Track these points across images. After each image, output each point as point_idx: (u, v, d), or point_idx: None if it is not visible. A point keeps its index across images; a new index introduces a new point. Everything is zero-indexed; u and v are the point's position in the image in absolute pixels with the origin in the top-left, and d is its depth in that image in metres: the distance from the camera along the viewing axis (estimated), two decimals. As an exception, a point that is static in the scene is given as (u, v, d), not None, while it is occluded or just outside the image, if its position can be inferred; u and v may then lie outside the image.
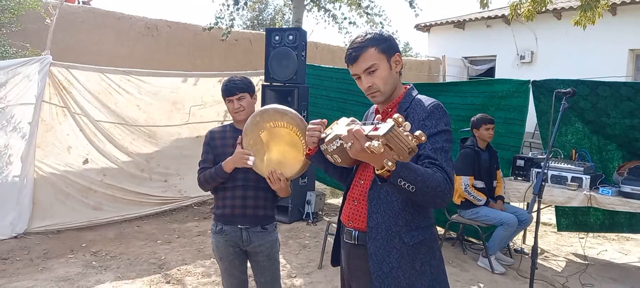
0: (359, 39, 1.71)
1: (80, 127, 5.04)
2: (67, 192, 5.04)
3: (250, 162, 2.24)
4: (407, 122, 1.25)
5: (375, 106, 1.90)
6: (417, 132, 1.24)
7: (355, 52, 1.69)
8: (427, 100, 1.70)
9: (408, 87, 1.81)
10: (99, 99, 5.17)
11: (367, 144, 1.23)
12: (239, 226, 2.41)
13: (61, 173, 4.98)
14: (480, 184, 4.46)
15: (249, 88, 2.47)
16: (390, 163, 1.27)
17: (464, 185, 4.35)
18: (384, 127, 1.23)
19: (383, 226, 1.66)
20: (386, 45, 1.70)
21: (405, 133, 1.23)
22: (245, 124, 2.27)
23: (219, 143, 2.48)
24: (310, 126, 1.79)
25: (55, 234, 4.87)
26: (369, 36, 1.70)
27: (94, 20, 6.87)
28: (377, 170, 1.40)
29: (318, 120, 1.79)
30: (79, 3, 8.78)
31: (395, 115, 1.24)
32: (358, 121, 1.70)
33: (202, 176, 2.43)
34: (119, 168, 5.41)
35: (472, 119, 4.53)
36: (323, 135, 1.76)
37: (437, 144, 1.59)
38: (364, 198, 1.74)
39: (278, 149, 2.23)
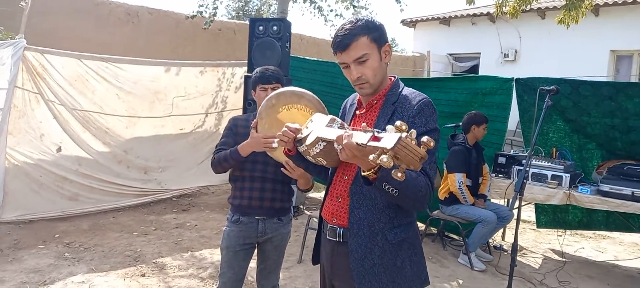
0: (349, 26, 1.59)
1: (54, 115, 4.88)
2: (41, 182, 4.88)
3: (275, 145, 2.15)
4: (412, 130, 1.17)
5: (355, 96, 1.83)
6: (425, 138, 1.15)
7: (346, 39, 1.58)
8: (416, 95, 1.63)
9: (393, 79, 1.73)
10: (75, 86, 5.01)
11: (372, 156, 1.15)
12: (256, 217, 2.44)
13: (35, 162, 4.82)
14: (468, 182, 4.45)
15: (281, 79, 2.49)
16: (400, 175, 1.16)
17: (457, 182, 4.33)
18: (389, 139, 1.14)
19: (365, 222, 1.62)
20: (378, 34, 1.62)
21: (414, 142, 1.14)
22: (260, 106, 2.20)
23: (242, 130, 2.47)
24: (281, 134, 1.71)
25: (27, 224, 4.72)
26: (360, 23, 1.59)
27: (72, 5, 6.66)
28: (364, 171, 1.35)
29: (292, 126, 1.71)
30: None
31: (398, 123, 1.15)
32: (338, 119, 1.63)
33: (216, 156, 2.42)
34: (95, 158, 5.27)
35: (468, 115, 4.49)
36: (299, 136, 1.69)
37: None
38: (348, 194, 1.68)
39: None
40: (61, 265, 3.85)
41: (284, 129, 1.70)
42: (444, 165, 4.50)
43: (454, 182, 4.33)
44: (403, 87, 1.70)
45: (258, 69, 2.51)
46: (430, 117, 1.58)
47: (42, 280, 3.54)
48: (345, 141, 1.30)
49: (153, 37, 7.41)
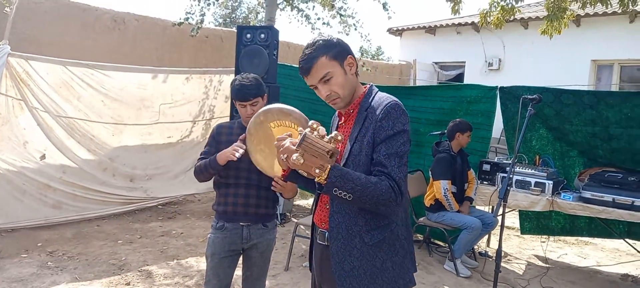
0: (308, 50, 1.66)
1: (37, 122, 4.82)
2: (24, 189, 4.81)
3: (237, 154, 2.23)
4: (321, 127, 1.27)
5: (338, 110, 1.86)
6: (333, 133, 1.27)
7: (306, 63, 1.65)
8: (385, 99, 1.66)
9: (368, 86, 1.78)
10: (59, 92, 4.96)
11: (292, 157, 1.24)
12: (240, 223, 2.45)
13: (18, 169, 4.75)
14: (453, 189, 4.50)
15: (260, 90, 2.44)
16: (317, 171, 1.29)
17: (443, 189, 4.37)
18: (299, 138, 1.25)
19: (343, 226, 1.66)
20: (336, 50, 1.66)
21: (321, 137, 1.24)
22: (248, 122, 2.21)
23: (224, 138, 2.48)
24: (276, 143, 1.66)
25: (9, 233, 4.64)
26: (317, 45, 1.66)
27: (58, 11, 6.60)
28: (316, 177, 1.41)
29: (283, 136, 1.66)
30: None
31: (310, 121, 1.26)
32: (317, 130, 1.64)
33: (197, 165, 2.45)
34: (80, 166, 5.21)
35: (453, 123, 4.55)
36: None
37: (392, 149, 1.57)
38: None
39: None
40: (44, 274, 3.79)
41: (275, 142, 1.69)
42: (430, 173, 4.55)
43: (440, 188, 4.37)
44: (376, 93, 1.73)
45: (236, 81, 2.44)
46: (397, 119, 1.60)
47: (24, 290, 3.49)
48: (284, 145, 1.41)
49: (139, 43, 7.37)
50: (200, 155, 2.52)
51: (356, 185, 1.45)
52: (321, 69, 1.64)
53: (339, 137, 1.27)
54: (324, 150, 1.23)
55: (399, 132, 1.59)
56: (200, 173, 2.44)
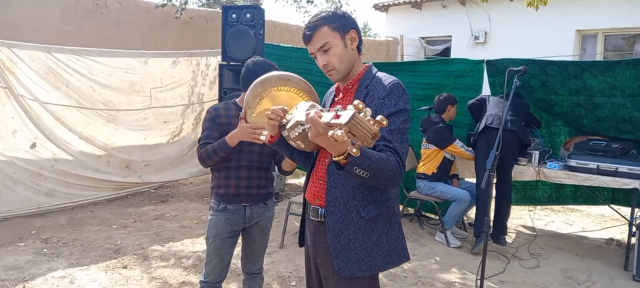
0: (313, 19, 1.72)
1: (25, 110, 4.78)
2: (16, 179, 4.79)
3: (263, 138, 2.10)
4: (367, 108, 1.25)
5: (335, 84, 1.90)
6: (379, 117, 1.25)
7: (309, 30, 1.71)
8: (387, 78, 1.71)
9: (368, 65, 1.82)
10: (47, 79, 4.91)
11: (330, 132, 1.22)
12: (243, 204, 2.47)
13: (8, 159, 4.73)
14: (449, 157, 4.63)
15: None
16: (355, 151, 1.27)
17: (462, 148, 4.50)
18: (345, 115, 1.22)
19: (341, 200, 1.70)
20: (340, 22, 1.71)
21: (367, 118, 1.23)
22: (245, 95, 2.12)
23: (224, 120, 2.43)
24: (269, 113, 1.74)
25: (2, 221, 4.64)
26: (322, 15, 1.71)
27: (38, -5, 6.47)
28: (335, 157, 1.42)
29: (279, 108, 1.75)
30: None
31: (356, 102, 1.23)
32: (318, 106, 1.67)
33: (203, 151, 2.36)
34: (72, 153, 5.18)
35: (441, 97, 4.62)
36: (284, 121, 1.73)
37: (394, 125, 1.62)
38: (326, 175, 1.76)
39: None
40: (40, 261, 3.81)
41: (269, 113, 1.73)
42: (427, 144, 4.60)
43: (459, 148, 4.49)
44: (376, 72, 1.78)
45: (250, 64, 2.37)
46: (399, 98, 1.66)
47: (21, 277, 3.51)
48: (310, 116, 1.37)
49: (123, 27, 7.27)
50: (202, 140, 2.43)
51: (373, 162, 1.45)
52: (321, 37, 1.69)
53: (385, 122, 1.23)
54: (369, 133, 1.21)
55: (401, 110, 1.64)
56: (209, 159, 2.35)
